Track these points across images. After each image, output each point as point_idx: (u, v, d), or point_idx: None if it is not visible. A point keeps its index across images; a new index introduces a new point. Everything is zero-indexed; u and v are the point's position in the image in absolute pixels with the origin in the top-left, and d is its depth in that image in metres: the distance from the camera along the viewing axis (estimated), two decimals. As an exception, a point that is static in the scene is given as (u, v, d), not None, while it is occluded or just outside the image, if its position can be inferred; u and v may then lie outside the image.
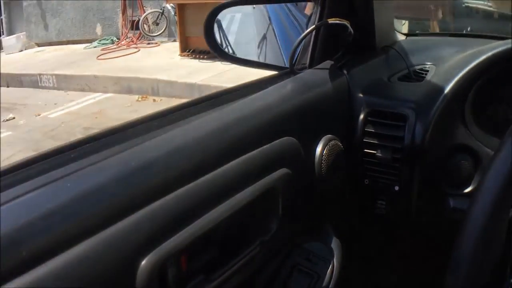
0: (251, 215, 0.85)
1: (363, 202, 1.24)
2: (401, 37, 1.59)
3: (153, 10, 8.97)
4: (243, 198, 0.80)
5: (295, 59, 1.27)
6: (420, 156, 1.11)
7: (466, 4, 5.84)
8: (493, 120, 1.22)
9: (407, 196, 1.16)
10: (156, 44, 8.70)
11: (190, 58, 7.50)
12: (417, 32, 2.25)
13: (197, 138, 0.79)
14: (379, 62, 1.35)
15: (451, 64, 1.24)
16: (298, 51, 1.38)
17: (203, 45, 5.68)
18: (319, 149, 1.04)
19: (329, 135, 1.07)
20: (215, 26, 1.79)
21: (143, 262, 0.65)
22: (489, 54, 1.18)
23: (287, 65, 1.25)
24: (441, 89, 1.15)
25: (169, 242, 0.68)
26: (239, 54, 1.56)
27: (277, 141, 0.91)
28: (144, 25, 8.86)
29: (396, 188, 1.16)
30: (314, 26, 1.23)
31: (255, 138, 0.87)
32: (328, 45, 1.29)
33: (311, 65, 1.27)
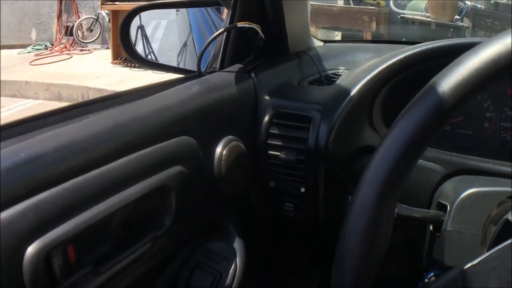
0: (143, 210, 0.85)
1: (270, 204, 1.25)
2: (318, 43, 1.62)
3: (88, 16, 8.85)
4: (134, 193, 0.80)
5: (208, 62, 1.28)
6: (324, 157, 1.12)
7: (402, 16, 5.99)
8: None
9: (314, 198, 1.17)
10: (89, 51, 8.58)
11: (122, 66, 7.43)
12: (335, 39, 2.28)
13: (88, 135, 0.79)
14: (290, 66, 1.37)
15: (362, 68, 1.26)
16: (211, 54, 1.39)
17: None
18: (219, 149, 1.05)
19: (231, 136, 1.08)
20: (139, 33, 1.79)
21: (29, 249, 0.66)
22: (400, 57, 1.19)
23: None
24: (348, 92, 1.17)
25: (55, 231, 0.69)
26: (162, 61, 1.57)
27: (172, 140, 0.91)
28: (78, 31, 8.73)
29: (302, 190, 1.17)
30: (222, 29, 1.24)
31: (150, 136, 0.88)
32: (239, 49, 1.30)
33: (221, 69, 1.27)
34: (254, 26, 1.24)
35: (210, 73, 1.24)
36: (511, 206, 0.96)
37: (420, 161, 1.14)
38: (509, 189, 1.00)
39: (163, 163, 0.88)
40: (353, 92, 1.16)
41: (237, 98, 1.14)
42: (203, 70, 1.25)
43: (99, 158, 0.78)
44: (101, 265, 0.76)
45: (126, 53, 1.46)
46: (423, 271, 1.03)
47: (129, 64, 7.31)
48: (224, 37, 1.29)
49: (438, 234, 1.03)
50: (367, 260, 0.66)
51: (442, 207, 1.05)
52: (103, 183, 0.76)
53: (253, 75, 1.23)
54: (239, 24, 1.22)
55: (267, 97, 1.20)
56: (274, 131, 1.17)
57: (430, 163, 1.14)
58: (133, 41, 1.56)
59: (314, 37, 1.62)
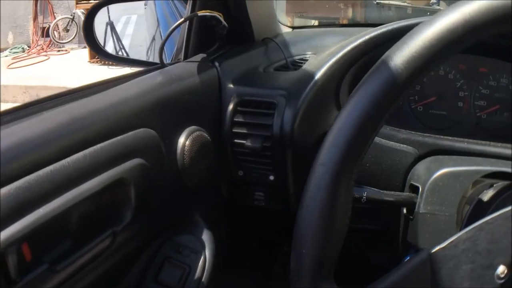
0: (101, 206, 0.83)
1: (240, 194, 1.23)
2: (285, 30, 1.60)
3: (63, 16, 8.77)
4: (90, 188, 0.78)
5: (173, 54, 1.26)
6: (291, 143, 1.10)
7: (378, 2, 5.97)
8: None
9: (284, 185, 1.15)
10: (66, 51, 8.52)
11: (99, 65, 7.36)
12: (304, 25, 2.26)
13: (41, 131, 0.77)
14: (256, 53, 1.35)
15: (329, 52, 1.23)
16: (175, 45, 1.37)
17: (112, 50, 5.60)
18: (181, 140, 1.02)
19: (194, 127, 1.06)
20: (108, 29, 1.78)
21: None
22: (365, 38, 1.17)
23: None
24: (313, 76, 1.14)
25: (8, 230, 0.67)
26: (133, 56, 1.55)
27: (130, 132, 0.89)
28: (55, 32, 8.65)
29: (272, 178, 1.15)
30: (182, 19, 1.21)
31: (107, 130, 0.85)
32: (203, 38, 1.28)
33: (185, 59, 1.25)
34: (215, 14, 1.21)
35: (174, 64, 1.22)
36: (487, 185, 0.94)
37: (391, 143, 1.12)
38: (483, 168, 0.99)
39: (121, 156, 0.86)
40: (318, 76, 1.14)
41: (200, 88, 1.12)
42: (168, 62, 1.23)
43: (53, 154, 0.76)
44: (58, 263, 0.74)
45: (92, 50, 1.44)
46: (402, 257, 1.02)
47: (106, 62, 7.25)
48: (187, 27, 1.26)
49: (411, 217, 1.01)
50: (324, 244, 0.64)
51: (414, 189, 1.04)
52: (57, 179, 0.74)
53: (216, 64, 1.21)
54: (200, 13, 1.19)
55: (231, 85, 1.18)
56: (239, 119, 1.15)
57: (401, 145, 1.12)
58: (104, 38, 1.54)
59: (282, 24, 1.61)
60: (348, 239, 1.25)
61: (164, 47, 1.17)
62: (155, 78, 1.06)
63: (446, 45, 0.64)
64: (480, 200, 0.88)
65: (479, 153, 1.08)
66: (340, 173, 0.63)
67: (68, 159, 0.77)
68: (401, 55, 0.64)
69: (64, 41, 8.68)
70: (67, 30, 8.70)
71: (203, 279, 1.02)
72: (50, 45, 8.77)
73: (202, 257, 1.03)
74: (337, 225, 0.64)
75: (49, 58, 8.28)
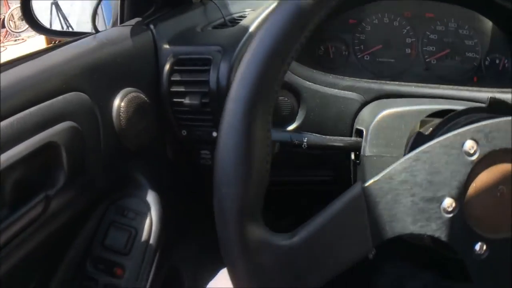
0: (33, 170, 0.82)
1: (186, 155, 1.23)
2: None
3: (17, 5, 8.59)
4: (19, 152, 0.77)
5: (103, 20, 1.24)
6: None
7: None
8: (326, 56, 1.22)
9: None
10: (23, 40, 8.38)
11: (58, 49, 7.27)
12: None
13: None
14: (194, 14, 1.33)
15: (265, 6, 1.22)
16: (113, 11, 1.35)
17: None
18: (116, 102, 1.01)
19: (129, 88, 1.05)
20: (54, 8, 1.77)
21: None
22: None
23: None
24: (247, 29, 1.14)
25: None
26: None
27: (60, 97, 0.87)
28: (10, 22, 8.49)
29: (214, 134, 1.15)
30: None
31: (35, 96, 0.84)
32: (138, 3, 1.26)
33: (120, 25, 1.23)
34: None
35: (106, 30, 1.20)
36: (435, 125, 0.86)
37: (335, 91, 1.11)
38: (429, 106, 0.96)
39: (50, 120, 0.84)
40: (252, 29, 1.13)
41: (134, 50, 1.10)
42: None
43: None
44: None
45: (30, 26, 1.43)
46: None
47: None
48: (121, -9, 1.25)
49: (358, 161, 1.00)
50: (245, 182, 0.60)
51: (360, 134, 1.01)
52: None
53: (151, 26, 1.19)
54: (132, -24, 1.18)
55: (166, 46, 1.16)
56: (176, 78, 1.14)
57: (346, 92, 1.10)
58: (50, 18, 1.53)
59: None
60: (301, 193, 1.24)
61: (98, 17, 1.15)
62: (85, 43, 1.04)
63: None
64: (420, 133, 0.84)
65: (427, 96, 1.07)
66: (254, 102, 0.60)
67: None
68: None
69: (19, 30, 8.52)
70: (23, 19, 8.54)
71: (150, 241, 1.02)
72: (6, 36, 8.61)
73: (148, 219, 1.03)
74: (256, 161, 0.61)
75: (6, 49, 8.14)
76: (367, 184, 0.64)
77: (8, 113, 0.79)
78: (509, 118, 0.64)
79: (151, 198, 1.06)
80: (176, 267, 1.35)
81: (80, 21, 1.87)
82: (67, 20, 2.12)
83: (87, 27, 1.73)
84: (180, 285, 1.32)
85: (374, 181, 0.64)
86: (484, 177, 0.66)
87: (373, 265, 1.49)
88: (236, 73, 0.62)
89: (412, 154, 0.64)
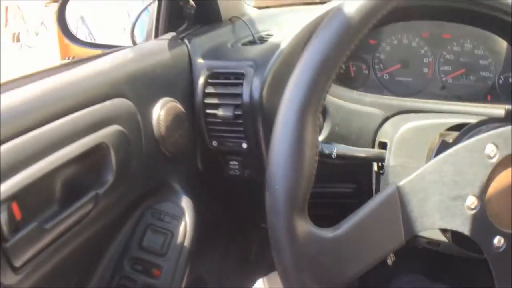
0: (84, 169, 0.87)
1: (215, 164, 1.28)
2: (252, 10, 1.65)
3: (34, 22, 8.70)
4: (72, 151, 0.83)
5: (145, 34, 1.30)
6: (260, 111, 1.14)
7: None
8: (347, 75, 1.27)
9: (257, 153, 1.20)
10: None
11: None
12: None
13: (23, 100, 0.81)
14: (224, 31, 1.39)
15: (293, 25, 1.27)
16: (147, 26, 1.41)
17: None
18: (156, 110, 1.07)
19: (167, 98, 1.11)
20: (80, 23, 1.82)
21: None
22: (327, 9, 1.20)
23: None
24: (278, 46, 1.19)
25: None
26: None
27: (107, 102, 0.93)
28: (25, 37, 8.59)
29: (244, 146, 1.20)
30: (151, 0, 1.26)
31: (85, 99, 0.89)
32: (172, 19, 1.32)
33: (155, 38, 1.29)
34: None
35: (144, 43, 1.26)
36: (452, 137, 0.95)
37: (359, 106, 1.17)
38: (448, 120, 1.02)
39: (100, 123, 0.90)
40: (283, 46, 1.18)
41: (171, 62, 1.16)
42: (140, 42, 1.27)
43: (36, 120, 0.80)
44: (47, 223, 0.78)
45: (66, 38, 1.48)
46: None
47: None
48: (156, 7, 1.31)
49: (382, 172, 1.06)
50: (296, 178, 0.67)
51: (383, 146, 1.08)
52: (41, 144, 0.78)
53: (186, 41, 1.25)
54: (168, -7, 1.24)
55: (201, 60, 1.22)
56: (210, 90, 1.19)
57: (369, 108, 1.17)
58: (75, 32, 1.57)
59: (247, 4, 1.65)
60: (323, 205, 1.29)
61: (135, 31, 1.20)
62: (127, 53, 1.10)
63: None
64: (444, 141, 0.90)
65: (445, 111, 1.13)
66: (306, 109, 0.67)
67: (50, 125, 0.81)
68: (352, 3, 0.69)
69: (34, 45, 8.61)
70: (37, 34, 8.63)
71: (185, 243, 1.06)
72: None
73: (183, 223, 1.07)
74: (307, 160, 0.67)
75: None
76: (401, 183, 0.72)
77: (62, 114, 0.84)
78: None
79: (185, 203, 1.10)
80: (201, 275, 1.39)
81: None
82: (92, 34, 2.17)
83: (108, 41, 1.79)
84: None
85: (407, 181, 0.72)
86: (503, 177, 0.74)
87: (388, 275, 1.54)
88: (291, 78, 0.69)
89: (441, 157, 0.73)
